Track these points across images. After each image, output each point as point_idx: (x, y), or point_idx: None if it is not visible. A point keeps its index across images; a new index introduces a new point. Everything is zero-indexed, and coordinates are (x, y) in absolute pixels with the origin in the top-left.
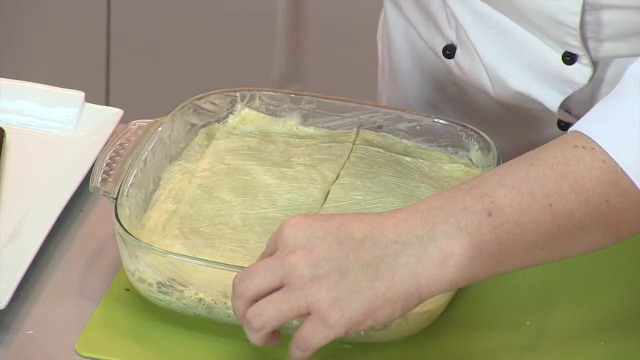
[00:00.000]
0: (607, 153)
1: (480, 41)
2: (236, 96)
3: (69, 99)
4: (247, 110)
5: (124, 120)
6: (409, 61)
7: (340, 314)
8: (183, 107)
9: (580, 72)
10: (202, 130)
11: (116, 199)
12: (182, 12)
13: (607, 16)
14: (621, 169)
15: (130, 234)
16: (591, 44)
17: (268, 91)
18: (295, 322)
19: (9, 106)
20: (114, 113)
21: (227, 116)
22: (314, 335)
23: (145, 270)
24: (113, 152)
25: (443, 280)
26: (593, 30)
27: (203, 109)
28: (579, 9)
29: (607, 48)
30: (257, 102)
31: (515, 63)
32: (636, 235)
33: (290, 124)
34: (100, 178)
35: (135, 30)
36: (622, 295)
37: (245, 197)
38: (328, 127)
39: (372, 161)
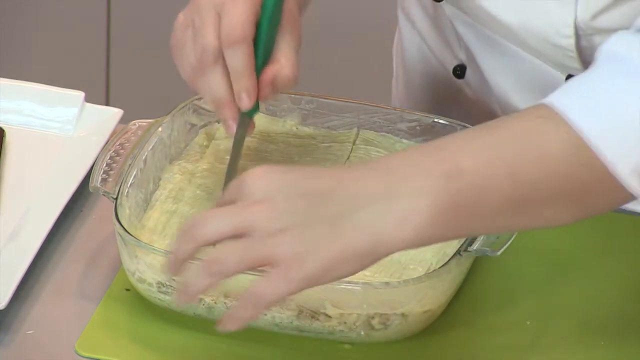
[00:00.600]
0: (571, 124)
1: (487, 63)
2: None
3: (69, 99)
4: None
5: (124, 120)
6: (422, 77)
7: (299, 269)
8: (183, 107)
9: None
10: (202, 130)
11: (116, 199)
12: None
13: (599, 40)
14: (585, 140)
15: (130, 234)
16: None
17: None
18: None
19: (9, 106)
20: (114, 113)
21: None
22: (272, 290)
23: (145, 271)
24: (113, 152)
25: (401, 240)
26: (590, 54)
27: (203, 109)
28: (571, 32)
29: None
30: None
31: (522, 86)
32: (631, 232)
33: (290, 123)
34: (100, 178)
35: (135, 30)
36: (622, 295)
37: None
38: (328, 127)
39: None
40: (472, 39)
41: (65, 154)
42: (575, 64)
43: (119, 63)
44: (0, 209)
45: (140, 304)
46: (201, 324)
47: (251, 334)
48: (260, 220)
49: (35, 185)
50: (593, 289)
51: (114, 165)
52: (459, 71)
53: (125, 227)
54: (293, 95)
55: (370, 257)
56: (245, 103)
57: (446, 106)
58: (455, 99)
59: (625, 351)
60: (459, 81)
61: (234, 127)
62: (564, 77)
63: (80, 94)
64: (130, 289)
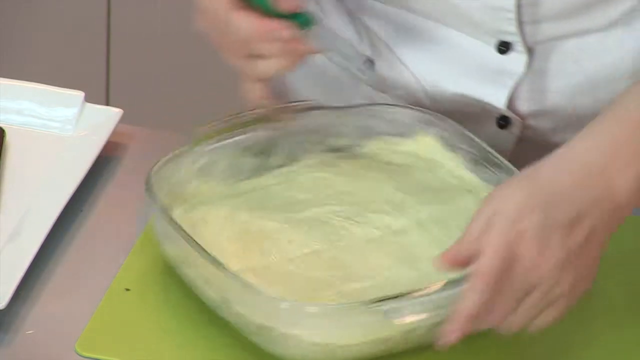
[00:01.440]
0: None
1: (406, 53)
2: None
3: (69, 99)
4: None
5: (124, 120)
6: (319, 90)
7: (580, 293)
8: None
9: (516, 60)
10: None
11: None
12: (182, 12)
13: None
14: None
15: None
16: (527, 28)
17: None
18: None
19: (9, 106)
20: (114, 113)
21: None
22: (560, 313)
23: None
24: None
25: (621, 219)
26: (528, 13)
27: None
28: None
29: (543, 30)
30: None
31: (449, 66)
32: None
33: None
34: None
35: (135, 30)
36: (623, 295)
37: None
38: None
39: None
40: (385, 29)
41: (65, 154)
42: (512, 26)
43: (119, 63)
44: (0, 209)
45: (140, 304)
46: (201, 324)
47: (249, 343)
48: (543, 276)
49: (35, 185)
50: (593, 289)
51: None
52: (365, 66)
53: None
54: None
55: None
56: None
57: (343, 102)
58: (356, 93)
59: (626, 351)
60: (369, 76)
61: (311, 45)
62: (493, 46)
63: (80, 94)
64: (130, 289)
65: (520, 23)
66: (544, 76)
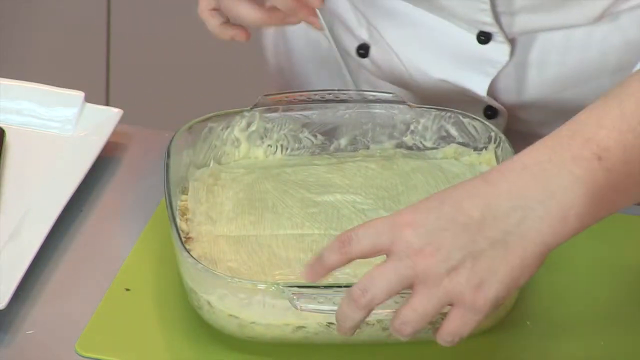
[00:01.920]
0: None
1: (394, 38)
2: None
3: (69, 99)
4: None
5: (124, 120)
6: (313, 63)
7: (485, 297)
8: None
9: (498, 50)
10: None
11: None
12: (182, 12)
13: None
14: None
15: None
16: (504, 19)
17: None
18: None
19: (9, 106)
20: (114, 113)
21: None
22: (465, 324)
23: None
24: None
25: (567, 231)
26: (504, 4)
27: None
28: None
29: (520, 22)
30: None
31: (433, 52)
32: (631, 232)
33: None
34: None
35: (135, 30)
36: (622, 295)
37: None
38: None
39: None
40: (376, 16)
41: (65, 154)
42: (488, 17)
43: (119, 63)
44: (0, 209)
45: (140, 304)
46: (200, 325)
47: (253, 345)
48: (431, 267)
49: (35, 185)
50: (593, 289)
51: None
52: (362, 50)
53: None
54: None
55: (544, 257)
56: (317, 1)
57: (348, 85)
58: (355, 79)
59: (626, 351)
60: (363, 61)
61: (316, 22)
62: (474, 36)
63: (80, 94)
64: (130, 289)
65: (496, 14)
66: (528, 67)
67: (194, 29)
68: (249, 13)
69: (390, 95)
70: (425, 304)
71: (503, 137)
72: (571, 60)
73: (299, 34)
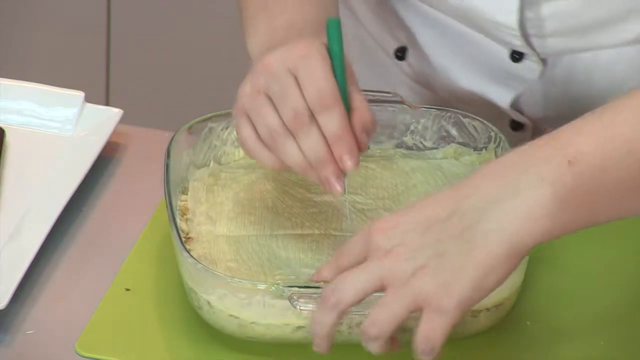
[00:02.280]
0: None
1: (429, 43)
2: None
3: (69, 99)
4: None
5: (124, 121)
6: (360, 61)
7: (450, 297)
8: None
9: (530, 69)
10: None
11: None
12: (182, 12)
13: (546, 10)
14: None
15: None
16: (535, 41)
17: None
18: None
19: (9, 106)
20: (114, 113)
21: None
22: (435, 328)
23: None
24: None
25: (536, 232)
26: (535, 26)
27: None
28: (515, 6)
29: (552, 44)
30: None
31: (465, 63)
32: (631, 232)
33: None
34: None
35: (135, 30)
36: (622, 295)
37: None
38: None
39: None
40: (414, 20)
41: (65, 154)
42: (518, 41)
43: (119, 63)
44: (0, 209)
45: (141, 304)
46: (200, 326)
47: (253, 345)
48: (396, 267)
49: (35, 185)
50: (593, 289)
51: None
52: (400, 53)
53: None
54: None
55: (514, 258)
56: (349, 165)
57: (390, 87)
58: (395, 81)
59: (625, 351)
60: (400, 63)
61: (338, 185)
62: (508, 53)
63: (80, 94)
64: (130, 289)
65: (528, 37)
66: (554, 84)
67: (194, 29)
68: (267, 160)
69: (390, 95)
70: (392, 303)
71: (503, 137)
72: (598, 78)
73: (349, 34)
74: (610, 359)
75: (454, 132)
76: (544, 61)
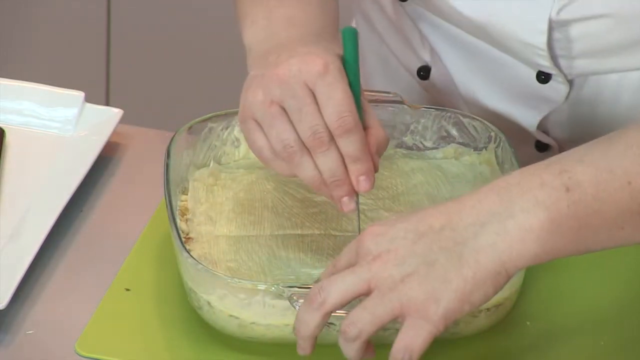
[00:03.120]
0: None
1: (453, 63)
2: None
3: (69, 99)
4: None
5: (124, 121)
6: (382, 78)
7: (436, 306)
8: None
9: (556, 91)
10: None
11: None
12: (182, 12)
13: (575, 31)
14: None
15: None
16: (563, 62)
17: None
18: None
19: (9, 106)
20: (114, 113)
21: None
22: (416, 336)
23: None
24: None
25: (526, 254)
26: (563, 47)
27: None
28: (545, 26)
29: (580, 65)
30: None
31: (490, 83)
32: None
33: None
34: None
35: (135, 30)
36: (622, 295)
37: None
38: None
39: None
40: (438, 39)
41: (65, 154)
42: (546, 62)
43: (119, 63)
44: (0, 209)
45: (141, 304)
46: (200, 326)
47: (254, 346)
48: (384, 271)
49: (35, 185)
50: (593, 289)
51: None
52: (423, 72)
53: None
54: None
55: (502, 277)
56: (366, 186)
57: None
58: (418, 100)
59: (626, 351)
60: (423, 83)
61: (352, 204)
62: (534, 74)
63: (80, 94)
64: (130, 289)
65: (555, 57)
66: (580, 104)
67: (194, 29)
68: (283, 170)
69: (391, 95)
70: (375, 305)
71: (503, 137)
72: (625, 99)
73: (371, 51)
74: (610, 359)
75: (454, 132)
76: (570, 82)
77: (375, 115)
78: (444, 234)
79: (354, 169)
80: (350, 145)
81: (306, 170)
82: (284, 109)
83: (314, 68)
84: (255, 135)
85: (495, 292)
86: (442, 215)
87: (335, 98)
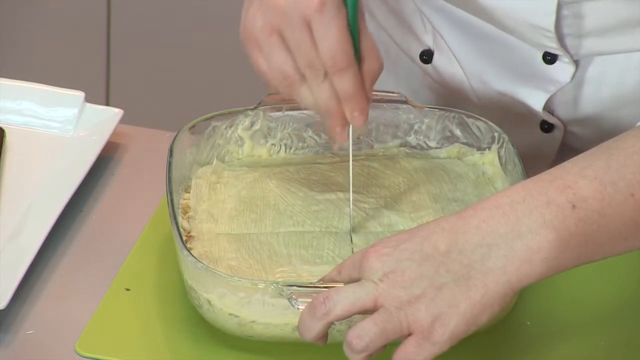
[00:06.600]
0: None
1: (458, 46)
2: None
3: (69, 99)
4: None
5: (124, 121)
6: (385, 65)
7: (443, 330)
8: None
9: (562, 71)
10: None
11: None
12: (182, 12)
13: (586, 8)
14: None
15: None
16: (570, 41)
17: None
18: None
19: (9, 106)
20: (114, 113)
21: None
22: (419, 353)
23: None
24: None
25: (533, 274)
26: (571, 25)
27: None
28: (553, 7)
29: (587, 45)
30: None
31: (496, 65)
32: None
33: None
34: None
35: (135, 30)
36: (622, 295)
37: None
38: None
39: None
40: (442, 22)
41: (65, 154)
42: (553, 43)
43: (119, 63)
44: (1, 209)
45: (141, 304)
46: (201, 326)
47: (253, 344)
48: (393, 291)
49: (35, 185)
50: (593, 288)
51: None
52: (426, 56)
53: None
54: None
55: (508, 297)
56: (359, 121)
57: (408, 94)
58: (419, 85)
59: (626, 351)
60: (425, 67)
61: (344, 134)
62: (540, 55)
63: (80, 94)
64: (130, 289)
65: (562, 37)
66: (585, 85)
67: (194, 29)
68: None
69: (395, 94)
70: (384, 322)
71: (506, 137)
72: (630, 79)
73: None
74: (610, 359)
75: (457, 132)
76: (576, 63)
77: (373, 47)
78: (450, 257)
79: (348, 105)
80: (342, 83)
81: (305, 98)
82: (282, 37)
83: (311, 3)
84: (257, 59)
85: (500, 310)
86: (446, 234)
87: (329, 37)
